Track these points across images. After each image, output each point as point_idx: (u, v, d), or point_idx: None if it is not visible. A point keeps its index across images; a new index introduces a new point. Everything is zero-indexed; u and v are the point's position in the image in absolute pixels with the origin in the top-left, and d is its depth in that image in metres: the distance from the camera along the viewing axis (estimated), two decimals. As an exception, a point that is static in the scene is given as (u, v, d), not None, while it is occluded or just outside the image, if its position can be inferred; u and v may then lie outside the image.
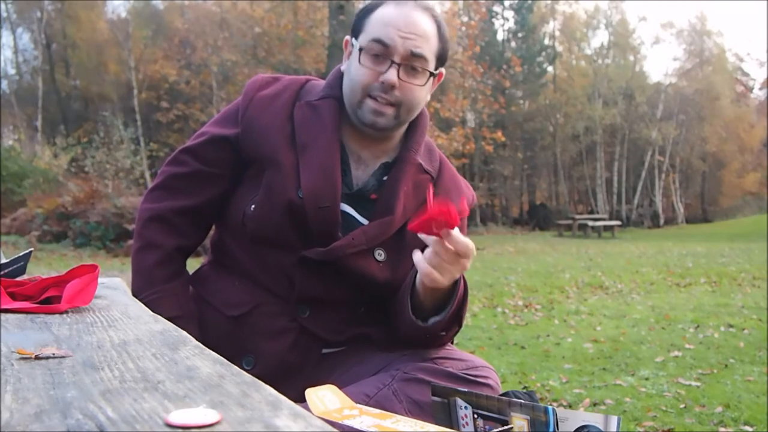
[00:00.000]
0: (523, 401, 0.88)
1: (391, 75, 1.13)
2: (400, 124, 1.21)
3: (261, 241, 1.19)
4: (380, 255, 1.19)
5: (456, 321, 1.15)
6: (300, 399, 1.14)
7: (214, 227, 1.33)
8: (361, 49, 1.16)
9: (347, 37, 1.23)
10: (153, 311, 1.01)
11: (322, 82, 1.28)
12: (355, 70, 1.17)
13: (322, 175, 1.16)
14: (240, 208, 1.20)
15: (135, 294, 1.20)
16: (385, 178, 1.23)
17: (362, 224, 1.20)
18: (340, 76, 1.25)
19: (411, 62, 1.14)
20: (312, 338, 1.20)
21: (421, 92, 1.19)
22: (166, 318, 1.00)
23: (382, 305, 1.24)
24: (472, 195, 1.34)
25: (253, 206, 1.18)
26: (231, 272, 1.25)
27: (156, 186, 1.28)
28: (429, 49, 1.16)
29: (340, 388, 0.90)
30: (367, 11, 1.19)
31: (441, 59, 1.20)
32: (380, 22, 1.15)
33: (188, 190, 1.25)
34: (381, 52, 1.14)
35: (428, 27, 1.16)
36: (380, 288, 1.20)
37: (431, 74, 1.18)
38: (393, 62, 1.13)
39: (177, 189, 1.26)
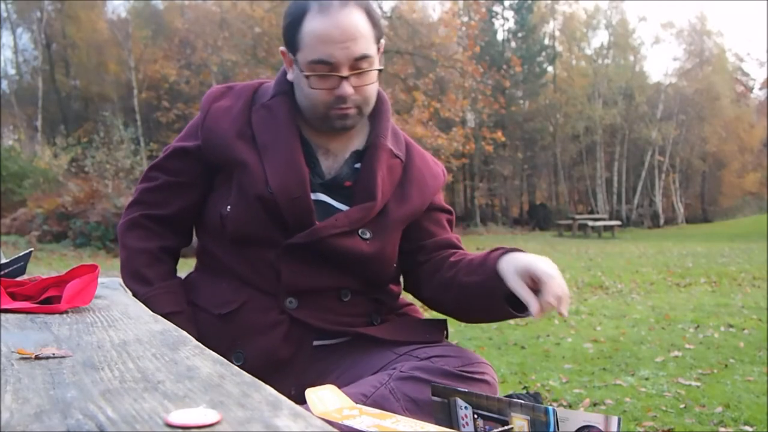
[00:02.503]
0: (523, 401, 0.88)
1: (345, 90, 1.15)
2: (365, 116, 1.25)
3: (242, 240, 1.21)
4: (365, 234, 1.22)
5: None
6: (293, 393, 1.13)
7: (196, 236, 1.36)
8: (307, 77, 1.16)
9: (282, 48, 1.24)
10: (152, 310, 1.01)
11: (273, 83, 1.31)
12: (307, 92, 1.18)
13: (287, 169, 1.19)
14: (216, 211, 1.23)
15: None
16: (357, 165, 1.26)
17: (341, 211, 1.23)
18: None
19: (357, 67, 1.15)
20: (302, 329, 1.20)
21: (375, 85, 1.21)
22: (164, 314, 1.01)
23: (370, 289, 1.26)
24: (441, 170, 1.38)
25: (229, 207, 1.21)
26: (218, 275, 1.26)
27: (132, 202, 1.33)
28: (368, 42, 1.16)
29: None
30: (295, 23, 1.16)
31: (379, 36, 1.20)
32: (314, 40, 1.13)
33: (161, 201, 1.30)
34: (326, 71, 1.15)
35: (360, 22, 1.15)
36: (369, 264, 1.22)
37: (380, 70, 1.20)
38: (342, 77, 1.15)
39: (151, 202, 1.30)
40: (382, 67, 1.22)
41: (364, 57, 1.15)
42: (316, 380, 1.18)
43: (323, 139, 1.26)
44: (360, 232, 1.21)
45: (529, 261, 1.07)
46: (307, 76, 1.16)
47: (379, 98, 1.29)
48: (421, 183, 1.29)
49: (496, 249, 1.18)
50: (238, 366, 1.15)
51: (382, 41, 1.22)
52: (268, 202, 1.18)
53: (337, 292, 1.23)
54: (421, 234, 1.31)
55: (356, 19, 1.14)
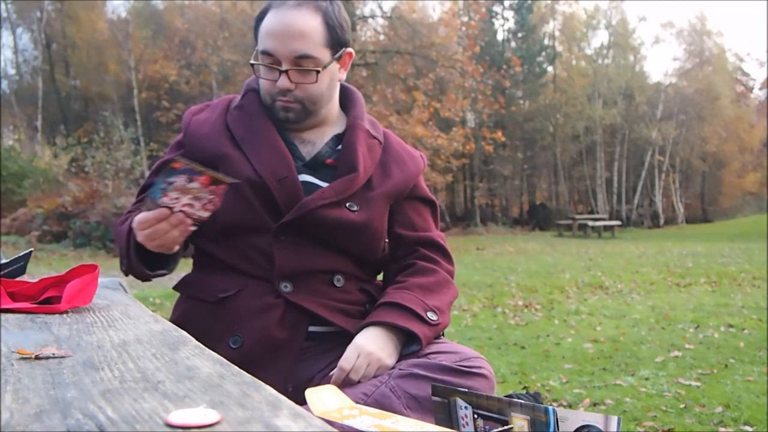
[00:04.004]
0: (523, 401, 0.88)
1: (283, 83, 1.24)
2: (313, 114, 1.30)
3: (234, 231, 1.24)
4: (353, 207, 1.26)
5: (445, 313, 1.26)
6: (288, 379, 1.16)
7: (190, 242, 1.37)
8: (253, 65, 1.27)
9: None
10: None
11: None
12: (260, 81, 1.29)
13: (269, 153, 1.26)
14: None
15: (124, 257, 1.22)
16: (338, 148, 1.32)
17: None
18: None
19: (298, 64, 1.22)
20: (298, 313, 1.21)
21: (319, 86, 1.26)
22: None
23: (361, 272, 1.30)
24: (420, 155, 1.43)
25: None
26: (214, 271, 1.28)
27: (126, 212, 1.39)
28: (313, 43, 1.22)
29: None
30: (259, 19, 1.26)
31: (338, 42, 1.26)
32: (265, 33, 1.23)
33: None
34: (271, 62, 1.24)
35: (306, 23, 1.21)
36: (358, 236, 1.26)
37: (323, 67, 1.24)
38: (281, 71, 1.23)
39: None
40: (338, 71, 1.29)
41: (306, 56, 1.21)
42: (311, 369, 1.21)
43: (294, 132, 1.32)
44: (347, 205, 1.26)
45: (352, 344, 1.15)
46: (253, 65, 1.27)
47: (350, 92, 1.40)
48: (401, 162, 1.36)
49: (380, 305, 1.23)
50: (235, 349, 1.17)
51: (347, 50, 1.29)
52: (258, 186, 1.22)
53: (331, 276, 1.26)
54: (403, 220, 1.36)
55: (304, 20, 1.21)
